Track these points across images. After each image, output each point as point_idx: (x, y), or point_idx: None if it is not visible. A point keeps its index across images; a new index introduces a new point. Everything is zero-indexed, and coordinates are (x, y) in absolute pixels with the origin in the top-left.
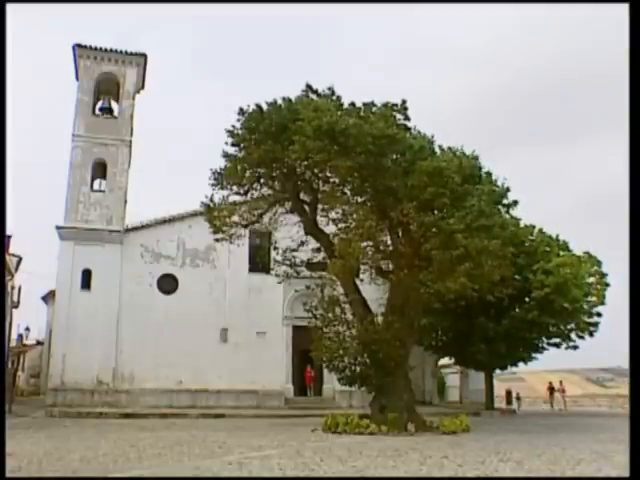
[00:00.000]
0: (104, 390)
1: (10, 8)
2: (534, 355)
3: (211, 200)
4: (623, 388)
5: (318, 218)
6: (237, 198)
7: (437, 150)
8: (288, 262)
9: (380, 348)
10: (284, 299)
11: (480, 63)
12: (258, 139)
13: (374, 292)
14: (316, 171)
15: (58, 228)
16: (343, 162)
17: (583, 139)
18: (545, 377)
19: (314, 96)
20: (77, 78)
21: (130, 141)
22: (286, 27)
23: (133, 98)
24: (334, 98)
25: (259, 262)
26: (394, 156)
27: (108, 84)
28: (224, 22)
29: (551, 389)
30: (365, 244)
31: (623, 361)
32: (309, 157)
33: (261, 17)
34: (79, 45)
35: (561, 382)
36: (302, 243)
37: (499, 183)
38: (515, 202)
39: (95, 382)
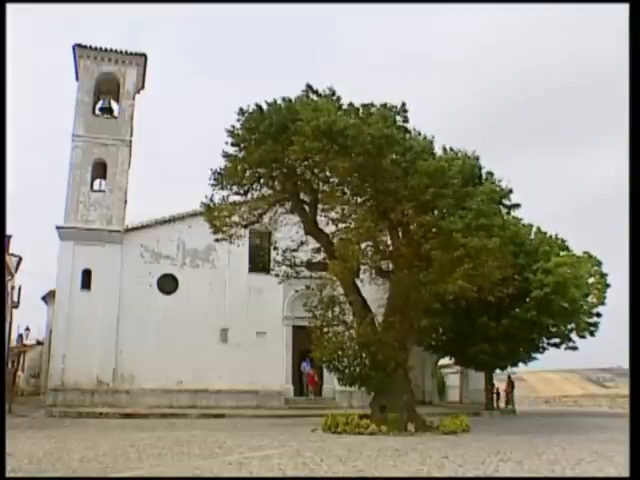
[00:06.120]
0: (104, 390)
1: (10, 8)
2: (534, 355)
3: (211, 200)
4: (623, 388)
5: (318, 218)
6: (237, 198)
7: (438, 151)
8: (288, 262)
9: (380, 349)
10: (284, 299)
11: (479, 66)
12: (258, 139)
13: (374, 292)
14: (316, 171)
15: (58, 228)
16: (342, 162)
17: (584, 141)
18: (545, 377)
19: (314, 96)
20: (77, 78)
21: (130, 141)
22: (286, 28)
23: (133, 98)
24: (334, 98)
25: (259, 262)
26: (393, 156)
27: (108, 84)
28: (224, 22)
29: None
30: (365, 244)
31: (623, 361)
32: (309, 157)
33: (261, 17)
34: (79, 45)
35: (509, 376)
36: (302, 243)
37: (502, 184)
38: (517, 205)
39: (95, 382)
